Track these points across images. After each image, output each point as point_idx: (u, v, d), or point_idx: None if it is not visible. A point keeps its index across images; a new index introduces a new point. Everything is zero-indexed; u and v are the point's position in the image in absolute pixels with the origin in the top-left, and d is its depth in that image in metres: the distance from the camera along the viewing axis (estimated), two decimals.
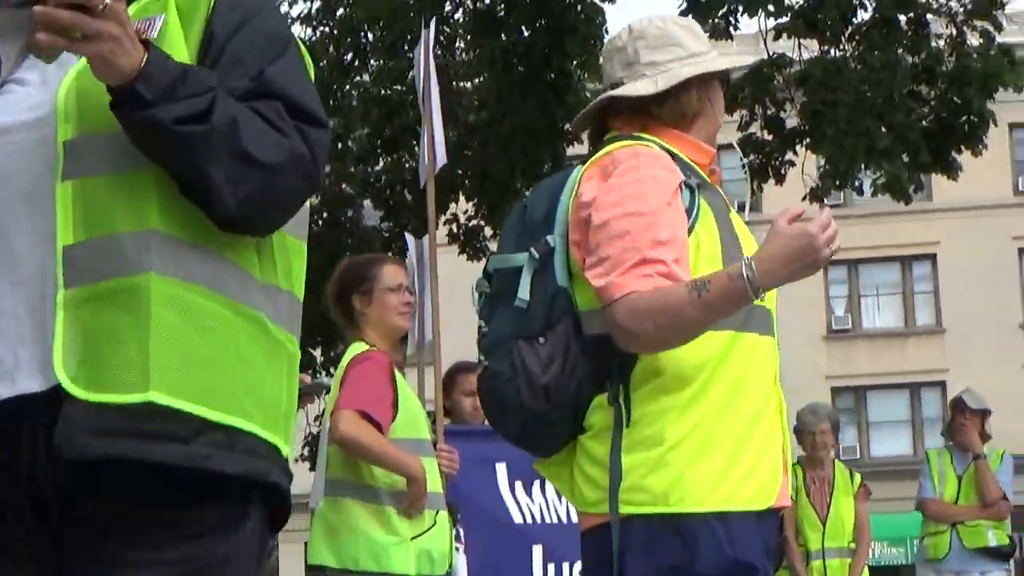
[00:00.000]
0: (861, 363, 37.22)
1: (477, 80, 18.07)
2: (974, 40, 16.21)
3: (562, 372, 3.32)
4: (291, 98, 2.41)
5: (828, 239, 3.18)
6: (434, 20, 8.03)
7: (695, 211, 3.36)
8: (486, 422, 7.27)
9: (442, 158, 6.47)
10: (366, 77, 18.57)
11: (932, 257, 37.86)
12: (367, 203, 19.00)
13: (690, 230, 3.34)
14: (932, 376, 36.53)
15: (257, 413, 2.40)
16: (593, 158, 3.47)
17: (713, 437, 3.25)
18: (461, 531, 6.59)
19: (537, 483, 6.84)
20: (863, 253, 36.86)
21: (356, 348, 5.85)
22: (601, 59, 3.73)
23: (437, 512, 5.77)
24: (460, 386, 7.18)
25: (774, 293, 3.48)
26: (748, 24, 15.03)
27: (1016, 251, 37.52)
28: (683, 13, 13.70)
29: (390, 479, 5.62)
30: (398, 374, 5.77)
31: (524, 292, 3.40)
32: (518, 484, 6.88)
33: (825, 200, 16.74)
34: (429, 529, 5.70)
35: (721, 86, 3.66)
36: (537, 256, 3.41)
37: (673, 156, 3.46)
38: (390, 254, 6.41)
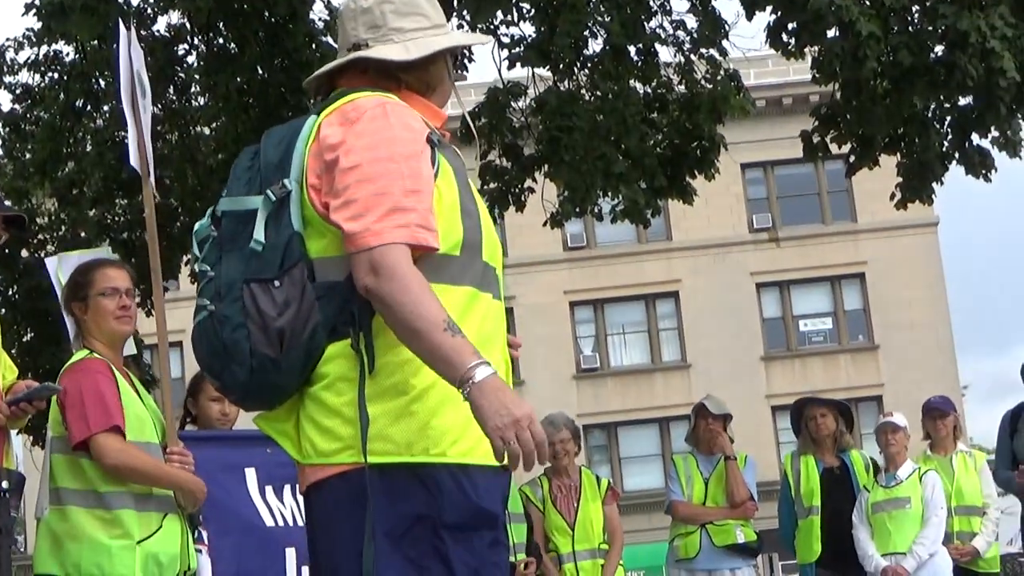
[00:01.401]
0: (611, 400, 37.86)
1: (215, 124, 17.86)
2: (702, 68, 16.67)
3: (296, 316, 3.22)
4: None
5: (523, 429, 3.06)
6: (132, 22, 7.85)
7: (436, 166, 3.33)
8: (233, 427, 7.15)
9: (142, 163, 6.27)
10: (100, 122, 18.19)
11: (675, 295, 38.80)
12: (105, 246, 18.57)
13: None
14: (680, 410, 37.16)
15: None
16: (333, 105, 3.39)
17: (454, 392, 3.16)
18: (204, 533, 6.40)
19: (287, 487, 6.70)
20: (608, 293, 37.61)
21: (74, 357, 5.74)
22: (340, 18, 3.65)
23: (165, 515, 5.62)
24: (206, 391, 7.00)
25: (499, 253, 3.47)
26: (481, 52, 15.21)
27: (754, 286, 38.70)
28: None
29: (114, 484, 5.49)
30: (119, 377, 5.64)
31: (259, 234, 3.29)
32: (268, 489, 6.72)
33: (566, 224, 17.00)
34: (155, 532, 5.56)
35: (454, 64, 3.68)
36: (274, 199, 3.31)
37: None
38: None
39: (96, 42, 15.77)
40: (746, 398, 35.90)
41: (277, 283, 3.25)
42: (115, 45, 6.47)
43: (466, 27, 14.44)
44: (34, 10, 14.87)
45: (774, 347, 38.75)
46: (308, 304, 3.24)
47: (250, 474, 6.74)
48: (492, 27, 14.39)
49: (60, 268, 6.99)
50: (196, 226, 3.50)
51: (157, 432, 5.79)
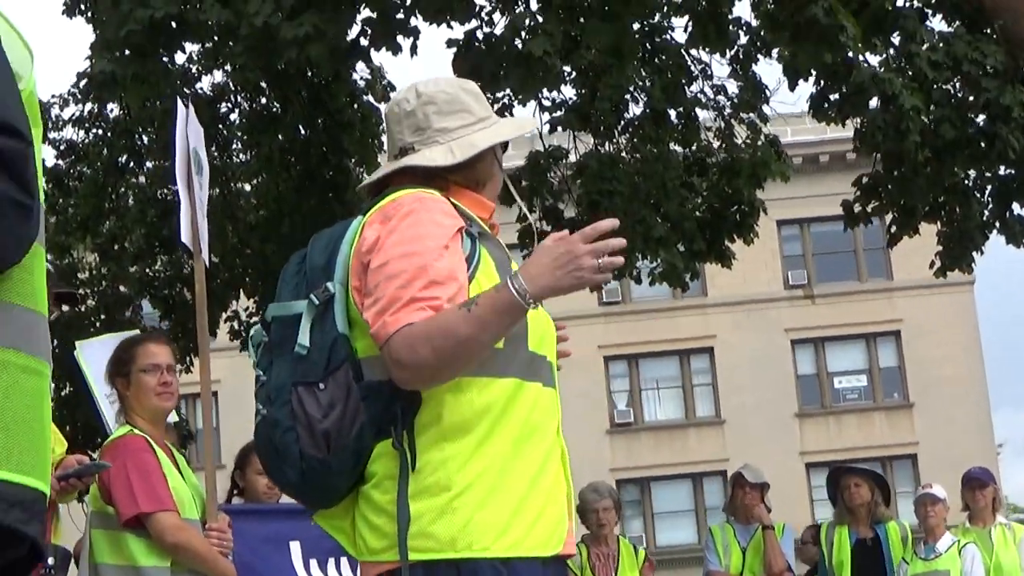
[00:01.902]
0: (644, 455, 37.77)
1: (256, 181, 18.00)
2: (742, 133, 16.73)
3: (343, 418, 3.27)
4: None
5: (591, 250, 3.20)
6: (188, 98, 7.93)
7: (476, 258, 3.36)
8: (281, 500, 7.20)
9: (195, 240, 6.31)
10: (142, 179, 18.37)
11: (709, 350, 38.74)
12: (145, 302, 18.71)
13: (471, 277, 3.33)
14: (713, 466, 37.21)
15: None
16: (377, 205, 3.46)
17: (500, 483, 3.23)
18: None
19: (332, 561, 6.72)
20: (642, 348, 37.60)
21: (116, 433, 5.82)
22: (386, 121, 3.72)
23: None
24: (253, 464, 7.05)
25: (551, 340, 3.49)
26: (521, 108, 15.26)
27: (789, 343, 38.63)
28: None
29: (155, 559, 5.56)
30: (160, 453, 5.70)
31: (304, 338, 3.34)
32: (312, 562, 6.75)
33: (603, 289, 17.05)
34: None
35: (503, 149, 3.70)
36: (317, 302, 3.36)
37: (455, 207, 3.49)
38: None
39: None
40: (780, 455, 35.80)
41: (322, 385, 3.29)
42: (172, 121, 6.51)
43: (511, 100, 14.55)
44: (85, 79, 15.04)
45: (808, 404, 38.62)
46: (354, 405, 3.28)
47: (295, 547, 6.77)
48: (535, 92, 14.45)
49: (81, 355, 7.07)
50: (252, 332, 3.56)
51: (197, 507, 5.84)
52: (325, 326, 3.35)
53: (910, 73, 12.93)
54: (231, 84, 16.90)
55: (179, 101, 6.43)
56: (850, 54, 11.61)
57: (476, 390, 3.26)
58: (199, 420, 30.16)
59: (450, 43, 13.46)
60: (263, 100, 16.43)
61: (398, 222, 3.33)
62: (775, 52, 14.48)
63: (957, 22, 13.76)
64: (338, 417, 3.28)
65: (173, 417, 6.34)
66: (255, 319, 17.99)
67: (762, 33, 14.65)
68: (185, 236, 6.10)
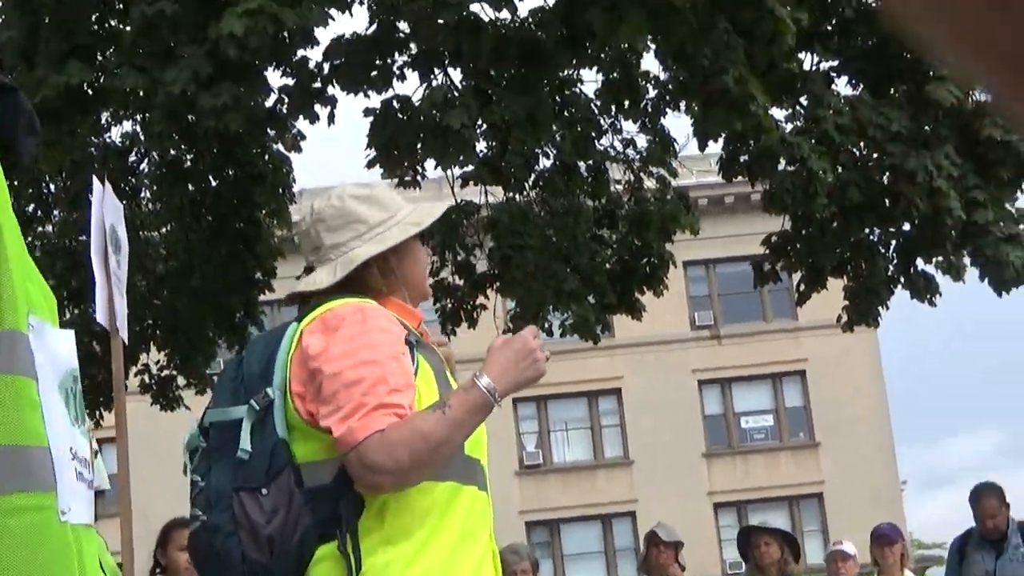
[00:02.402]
0: (553, 497, 37.83)
1: (165, 229, 17.83)
2: (651, 184, 16.86)
3: (285, 523, 3.31)
4: None
5: (539, 344, 3.42)
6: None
7: (415, 368, 3.42)
8: None
9: (116, 322, 6.28)
10: (49, 228, 18.15)
11: (617, 391, 38.95)
12: None
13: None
14: (622, 507, 37.39)
15: None
16: (314, 313, 3.49)
17: None
18: None
19: None
20: (551, 389, 37.71)
21: None
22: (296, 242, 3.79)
23: None
24: (175, 542, 7.06)
25: (483, 445, 3.56)
26: (434, 171, 15.28)
27: (696, 383, 38.94)
28: (371, 162, 13.85)
29: None
30: None
31: (246, 443, 3.38)
32: None
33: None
34: None
35: (421, 238, 3.72)
36: (258, 408, 3.40)
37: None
38: None
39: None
40: (688, 495, 36.06)
41: (264, 491, 3.33)
42: (87, 199, 6.46)
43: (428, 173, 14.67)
44: None
45: (716, 444, 38.93)
46: (296, 510, 3.32)
47: None
48: (453, 162, 14.50)
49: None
50: (186, 437, 3.59)
51: None
52: (265, 432, 3.40)
53: (816, 136, 13.13)
54: (140, 135, 16.77)
55: (95, 179, 6.41)
56: (761, 122, 11.79)
57: (417, 494, 3.31)
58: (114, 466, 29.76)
59: (367, 112, 13.50)
60: (173, 152, 16.29)
61: (346, 331, 3.39)
62: (683, 106, 14.65)
63: (862, 86, 14.02)
64: (281, 522, 3.31)
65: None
66: (166, 371, 17.83)
67: (670, 88, 14.80)
68: (101, 316, 6.06)
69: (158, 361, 17.71)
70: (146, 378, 17.93)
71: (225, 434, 3.44)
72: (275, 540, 3.30)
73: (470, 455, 3.44)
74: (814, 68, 14.07)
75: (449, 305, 16.48)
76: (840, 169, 13.28)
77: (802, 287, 15.10)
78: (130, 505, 6.09)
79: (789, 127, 13.92)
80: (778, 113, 14.09)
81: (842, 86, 14.37)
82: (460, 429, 3.27)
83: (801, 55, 13.55)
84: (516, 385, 3.37)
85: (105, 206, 6.21)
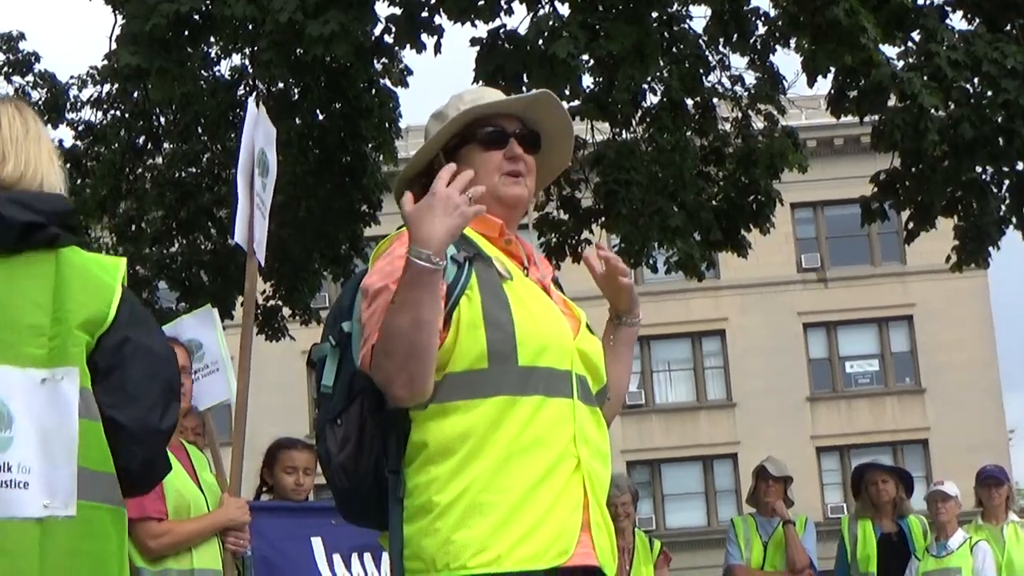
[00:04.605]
0: (655, 437, 37.84)
1: None
2: (759, 123, 16.72)
3: (358, 450, 3.42)
4: None
5: (457, 188, 3.27)
6: (249, 100, 7.87)
7: (462, 284, 3.41)
8: (309, 498, 7.35)
9: (254, 244, 6.28)
10: (159, 160, 18.39)
11: (721, 333, 38.79)
12: (162, 284, 18.75)
13: (455, 303, 3.38)
14: (724, 449, 37.31)
15: None
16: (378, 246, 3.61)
17: (481, 502, 3.30)
18: None
19: (355, 555, 6.83)
20: (654, 330, 37.60)
21: None
22: None
23: None
24: (281, 463, 7.17)
25: (575, 356, 3.50)
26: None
27: (801, 327, 38.65)
28: None
29: (145, 562, 5.71)
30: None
31: (327, 378, 3.50)
32: (336, 557, 6.85)
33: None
34: None
35: (486, 145, 3.61)
36: (335, 343, 3.51)
37: None
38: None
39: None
40: (791, 439, 35.89)
41: (339, 421, 3.46)
42: (242, 120, 6.51)
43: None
44: (109, 68, 15.08)
45: (820, 388, 38.67)
46: (369, 436, 3.42)
47: (316, 543, 6.89)
48: (559, 92, 14.43)
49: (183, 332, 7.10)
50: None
51: (210, 507, 5.97)
52: (346, 364, 3.48)
53: (928, 72, 12.91)
54: (249, 68, 16.90)
55: (250, 102, 6.44)
56: (871, 56, 11.60)
57: (460, 413, 3.34)
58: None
59: (473, 41, 13.48)
60: (281, 85, 16.39)
61: (379, 263, 3.48)
62: (793, 43, 14.48)
63: (978, 20, 13.75)
64: (352, 450, 3.43)
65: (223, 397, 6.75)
66: (272, 302, 18.04)
67: (780, 23, 14.63)
68: (239, 236, 6.06)
69: (264, 292, 17.93)
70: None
71: (322, 369, 3.56)
72: (347, 468, 3.43)
73: (530, 365, 3.39)
74: (928, 2, 13.83)
75: (554, 240, 16.48)
76: (952, 106, 13.06)
77: (911, 225, 14.91)
78: (245, 422, 6.16)
79: (900, 64, 13.68)
80: (890, 50, 13.87)
81: (956, 20, 14.14)
82: (409, 307, 3.24)
83: None
84: (445, 235, 3.23)
85: (256, 128, 6.22)
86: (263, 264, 6.19)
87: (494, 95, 3.73)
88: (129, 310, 3.24)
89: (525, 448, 3.34)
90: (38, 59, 21.74)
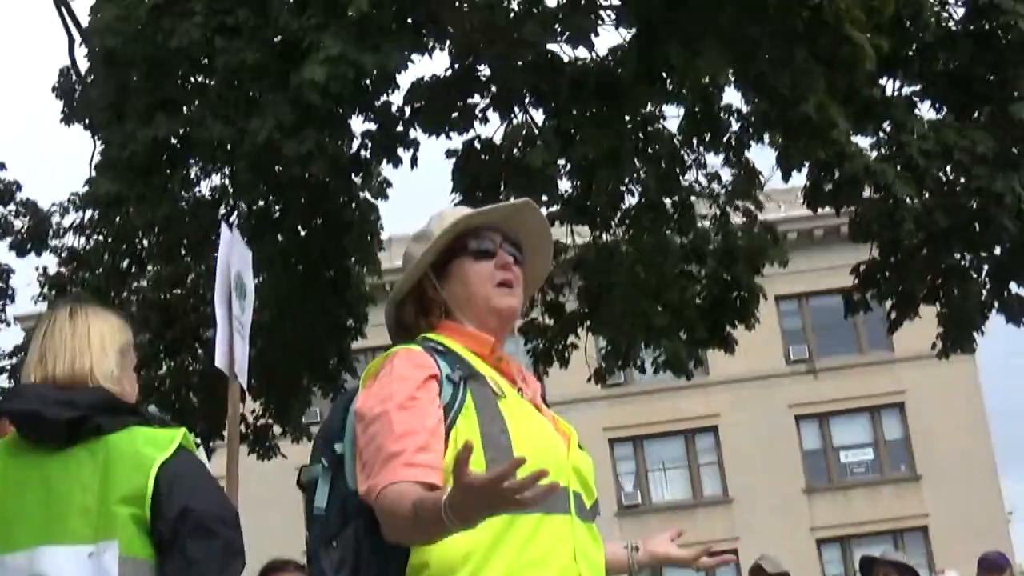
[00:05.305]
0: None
1: (256, 280, 18.00)
2: (737, 219, 16.82)
3: (354, 574, 3.36)
4: None
5: (513, 488, 3.02)
6: (231, 220, 7.95)
7: (458, 404, 3.38)
8: None
9: (235, 367, 6.31)
10: (143, 283, 18.44)
11: (714, 429, 38.71)
12: (152, 408, 18.72)
13: (452, 423, 3.36)
14: (723, 545, 36.75)
15: None
16: (374, 364, 3.55)
17: None
18: None
19: None
20: (647, 429, 37.60)
21: None
22: None
23: None
24: None
25: (571, 473, 3.47)
26: None
27: (793, 419, 38.59)
28: (457, 206, 13.90)
29: None
30: None
31: (321, 500, 3.46)
32: None
33: (607, 379, 17.08)
34: None
35: (477, 256, 3.58)
36: (327, 465, 3.48)
37: (445, 350, 3.49)
38: None
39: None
40: (790, 532, 35.71)
41: (334, 543, 3.39)
42: (216, 245, 6.55)
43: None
44: (90, 196, 15.19)
45: (816, 479, 38.52)
46: (364, 561, 3.36)
47: None
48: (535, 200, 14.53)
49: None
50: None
51: None
52: (339, 486, 3.45)
53: (901, 162, 13.04)
54: (229, 188, 17.01)
55: (223, 226, 6.48)
56: (843, 149, 11.73)
57: (461, 534, 3.24)
58: None
59: (449, 153, 13.62)
60: (261, 203, 16.50)
61: (374, 383, 3.43)
62: (767, 138, 14.62)
63: (945, 110, 13.92)
64: (349, 573, 3.36)
65: None
66: (262, 421, 18.01)
67: (752, 119, 14.78)
68: (220, 361, 6.07)
69: (254, 411, 17.91)
70: (243, 427, 18.12)
71: (313, 491, 3.52)
72: None
73: None
74: (896, 93, 13.99)
75: (540, 345, 16.51)
76: (926, 194, 13.18)
77: (893, 315, 14.97)
78: None
79: (873, 154, 13.82)
80: (861, 141, 14.01)
81: (925, 110, 14.30)
82: (423, 529, 3.18)
83: (882, 81, 13.47)
84: (475, 519, 3.11)
85: (232, 252, 6.26)
86: (246, 387, 6.19)
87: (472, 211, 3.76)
88: (173, 477, 3.57)
89: (527, 566, 3.30)
90: (19, 187, 21.90)
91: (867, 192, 13.47)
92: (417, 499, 3.18)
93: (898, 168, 12.93)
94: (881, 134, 13.91)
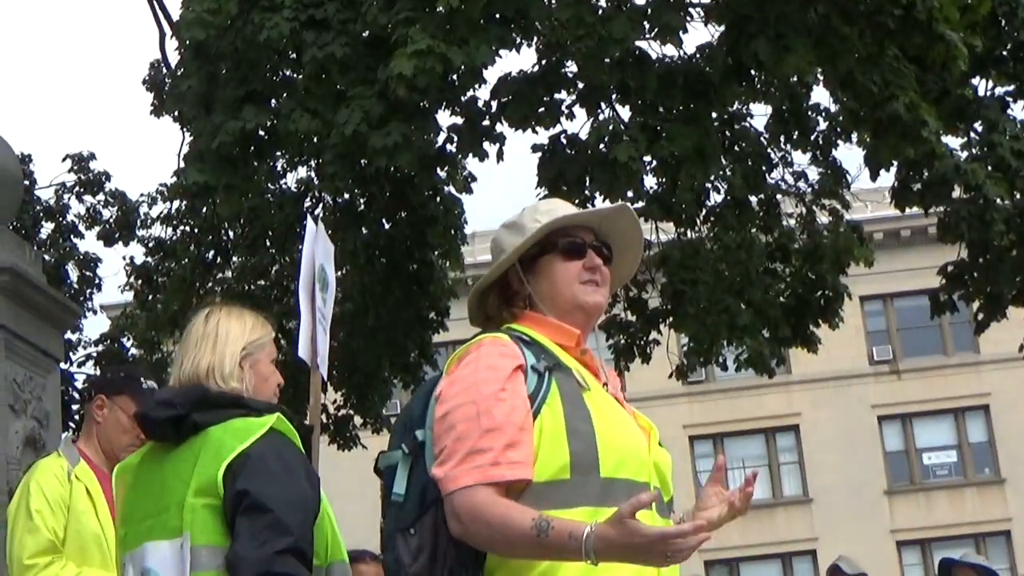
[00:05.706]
0: (732, 535, 37.38)
1: (340, 272, 18.13)
2: (823, 218, 16.71)
3: (432, 561, 3.35)
4: None
5: (675, 548, 3.06)
6: (316, 213, 8.02)
7: (543, 394, 3.38)
8: None
9: (317, 358, 6.38)
10: (228, 274, 18.59)
11: (795, 428, 38.45)
12: None
13: (536, 412, 3.35)
14: (802, 545, 36.82)
15: None
16: (458, 352, 3.55)
17: None
18: None
19: None
20: (727, 427, 37.41)
21: None
22: None
23: None
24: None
25: (652, 469, 3.47)
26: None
27: (876, 419, 38.25)
28: (544, 198, 13.91)
29: None
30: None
31: (399, 487, 3.44)
32: None
33: (689, 376, 17.02)
34: None
35: (567, 255, 3.59)
36: (407, 451, 3.46)
37: (531, 341, 3.50)
38: None
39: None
40: (870, 534, 35.40)
41: (412, 531, 3.38)
42: (301, 237, 6.63)
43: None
44: (178, 188, 15.33)
45: (897, 481, 38.16)
46: (442, 549, 3.34)
47: None
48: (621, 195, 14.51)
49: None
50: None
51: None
52: (419, 472, 3.43)
53: (992, 162, 12.88)
54: (315, 180, 17.12)
55: (308, 219, 6.54)
56: (933, 149, 11.60)
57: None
58: None
59: (535, 148, 13.63)
60: (347, 196, 16.59)
61: (458, 372, 3.42)
62: (855, 137, 14.50)
63: None
64: (426, 561, 3.34)
65: None
66: (342, 412, 18.11)
67: (840, 118, 14.67)
68: (303, 352, 6.15)
69: (335, 401, 18.00)
70: (323, 417, 18.22)
71: (391, 478, 3.51)
72: None
73: (611, 476, 3.35)
74: (988, 93, 13.82)
75: (622, 341, 16.48)
76: (1017, 195, 13.01)
77: (980, 316, 14.80)
78: None
79: (964, 154, 13.66)
80: (952, 141, 13.86)
81: (1018, 111, 14.12)
82: (542, 554, 3.19)
83: (975, 80, 13.31)
84: (625, 559, 3.11)
85: (316, 245, 6.34)
86: (326, 378, 6.24)
87: (566, 207, 3.72)
88: (243, 462, 3.69)
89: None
90: (108, 178, 22.20)
91: (956, 192, 13.33)
92: (541, 519, 3.15)
93: (989, 169, 12.77)
94: (972, 134, 13.76)
